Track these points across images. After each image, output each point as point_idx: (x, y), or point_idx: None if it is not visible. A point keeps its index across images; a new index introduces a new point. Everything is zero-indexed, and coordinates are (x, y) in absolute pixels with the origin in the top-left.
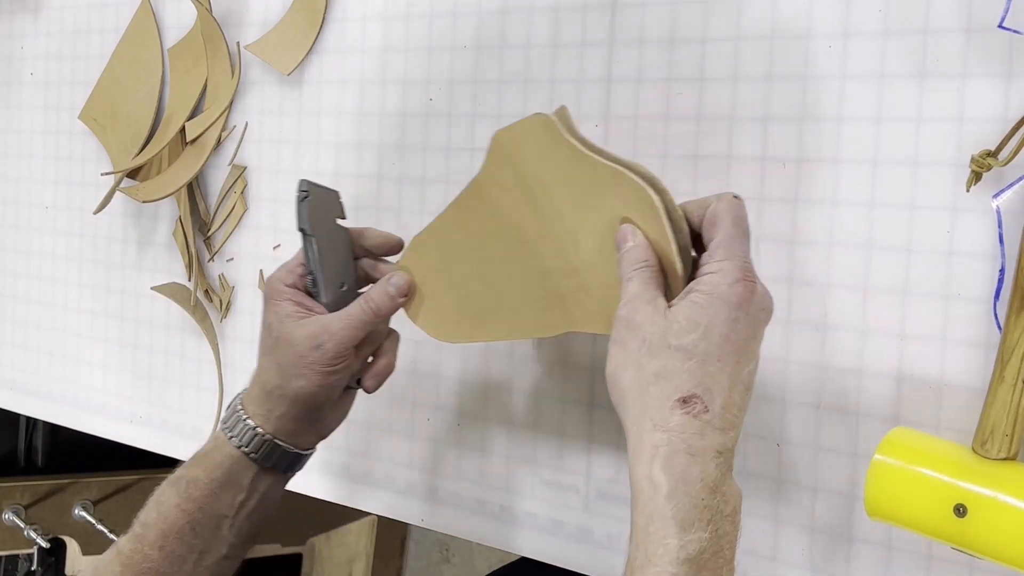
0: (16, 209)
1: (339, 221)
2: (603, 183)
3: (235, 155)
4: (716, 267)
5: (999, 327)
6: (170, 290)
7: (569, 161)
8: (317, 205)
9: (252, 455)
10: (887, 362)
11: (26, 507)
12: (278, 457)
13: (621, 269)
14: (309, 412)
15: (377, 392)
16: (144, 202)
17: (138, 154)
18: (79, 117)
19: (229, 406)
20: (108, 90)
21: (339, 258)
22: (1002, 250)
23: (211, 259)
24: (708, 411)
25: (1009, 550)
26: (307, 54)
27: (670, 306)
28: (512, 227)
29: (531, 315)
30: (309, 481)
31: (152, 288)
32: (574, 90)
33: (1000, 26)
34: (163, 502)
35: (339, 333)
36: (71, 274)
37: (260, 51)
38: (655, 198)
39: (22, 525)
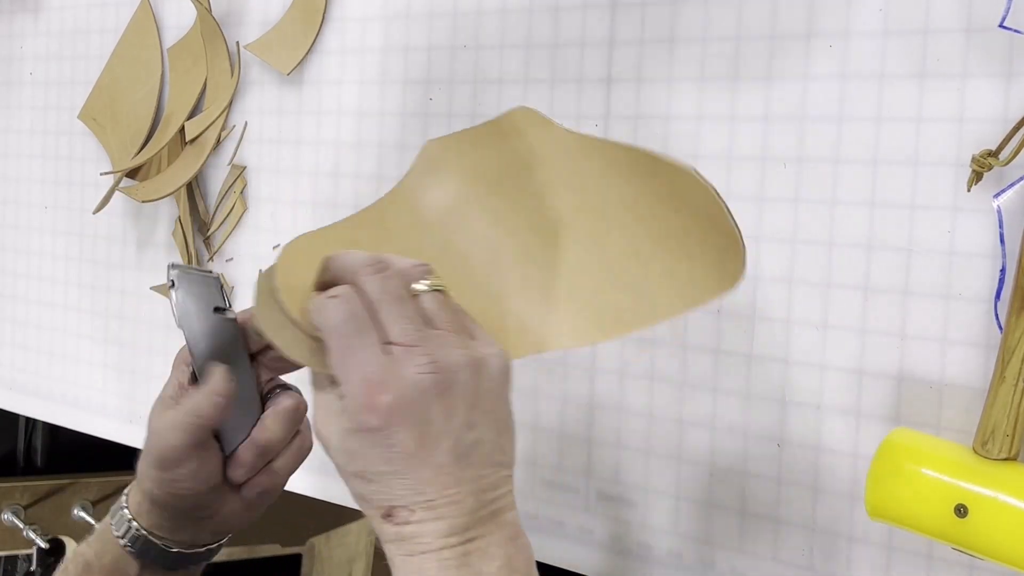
0: (16, 209)
1: (222, 310)
2: (623, 166)
3: (235, 155)
4: (346, 388)
5: (1000, 327)
6: None
7: (568, 151)
8: (188, 294)
9: (128, 548)
10: (887, 362)
11: (25, 507)
12: (156, 554)
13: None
14: (173, 512)
15: None
16: (143, 202)
17: (137, 154)
18: (78, 117)
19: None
20: (107, 90)
21: (221, 353)
22: (1003, 250)
23: (211, 259)
24: (415, 511)
25: (1010, 550)
26: (307, 54)
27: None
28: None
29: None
30: (309, 481)
31: (152, 288)
32: (574, 90)
33: (1000, 26)
34: None
35: (163, 436)
36: (71, 274)
37: (260, 51)
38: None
39: (21, 525)
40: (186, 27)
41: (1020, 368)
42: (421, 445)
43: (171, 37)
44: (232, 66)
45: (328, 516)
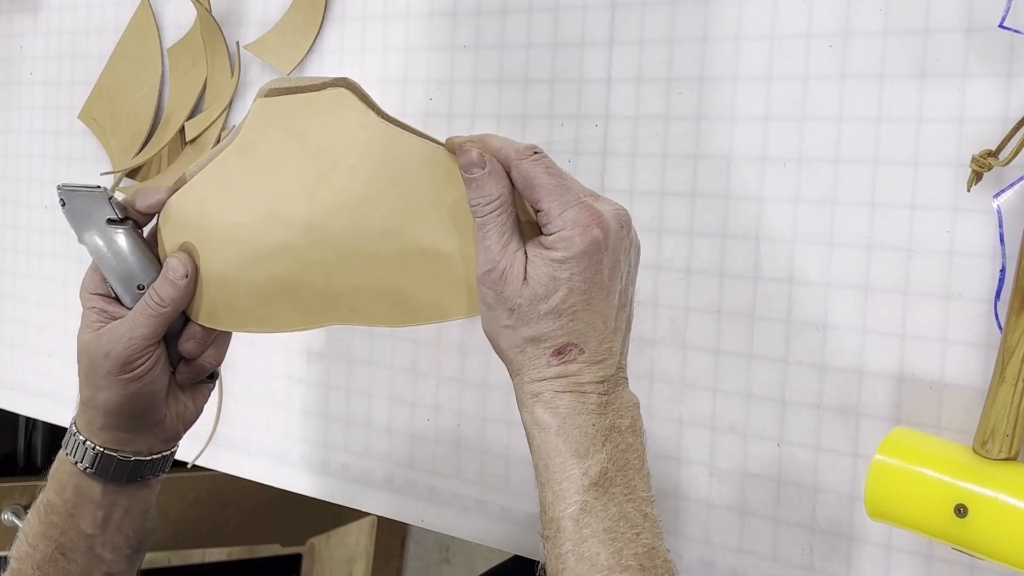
0: (16, 209)
1: (114, 221)
2: (421, 157)
3: None
4: (560, 222)
5: (1000, 327)
6: None
7: (380, 137)
8: (78, 210)
9: (88, 470)
10: (888, 362)
11: (26, 507)
12: (116, 469)
13: (470, 195)
14: (130, 420)
15: (377, 392)
16: None
17: (138, 154)
18: (79, 117)
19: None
20: (107, 90)
21: (126, 259)
22: (1003, 250)
23: None
24: (584, 352)
25: (1009, 550)
26: (307, 54)
27: (527, 265)
28: (302, 197)
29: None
30: (309, 481)
31: None
32: (574, 90)
33: (1000, 26)
34: (29, 532)
35: (125, 336)
36: (71, 274)
37: (260, 51)
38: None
39: (21, 525)
40: (186, 27)
41: (1020, 368)
42: (612, 277)
43: (171, 37)
44: (232, 66)
45: (328, 516)
